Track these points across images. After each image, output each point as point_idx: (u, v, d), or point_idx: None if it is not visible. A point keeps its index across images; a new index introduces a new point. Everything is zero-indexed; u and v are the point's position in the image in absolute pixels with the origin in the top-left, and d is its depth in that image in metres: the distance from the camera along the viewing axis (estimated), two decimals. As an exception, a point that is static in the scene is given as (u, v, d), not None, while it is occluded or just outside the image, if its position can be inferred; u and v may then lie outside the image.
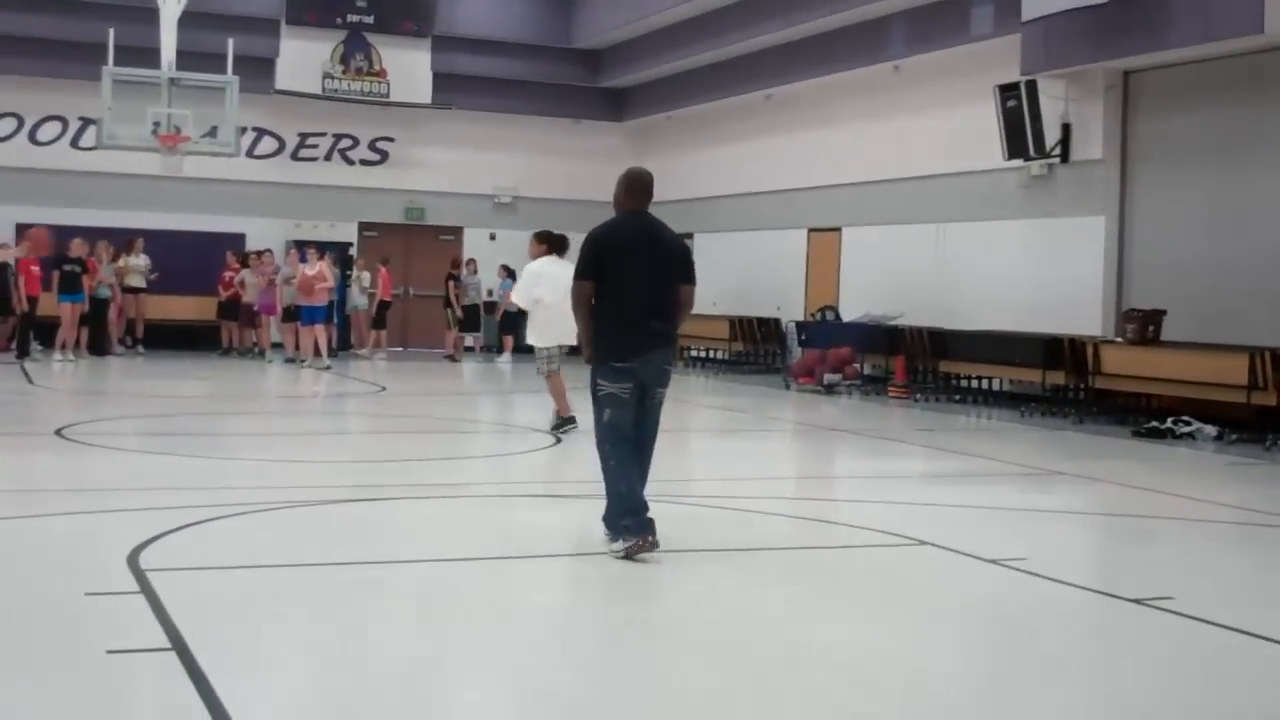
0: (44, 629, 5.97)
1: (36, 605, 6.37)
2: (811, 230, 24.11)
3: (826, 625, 6.51)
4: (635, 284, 7.85)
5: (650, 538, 7.62)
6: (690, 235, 27.82)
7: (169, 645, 5.60)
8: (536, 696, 5.27)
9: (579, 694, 5.33)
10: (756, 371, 23.77)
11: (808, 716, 5.15)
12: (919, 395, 19.37)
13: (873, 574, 7.85)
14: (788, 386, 21.04)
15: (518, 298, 15.02)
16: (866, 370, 20.75)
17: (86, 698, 5.06)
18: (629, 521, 7.68)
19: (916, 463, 13.62)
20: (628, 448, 7.88)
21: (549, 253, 14.85)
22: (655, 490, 8.11)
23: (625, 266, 7.87)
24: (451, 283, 26.17)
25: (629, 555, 7.59)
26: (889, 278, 21.67)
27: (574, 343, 11.12)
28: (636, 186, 8.19)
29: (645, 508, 7.73)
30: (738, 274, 25.92)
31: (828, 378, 20.30)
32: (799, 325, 22.64)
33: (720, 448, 15.07)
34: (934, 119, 21.12)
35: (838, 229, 23.37)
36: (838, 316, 22.29)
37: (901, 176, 21.80)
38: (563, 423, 14.14)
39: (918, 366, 19.77)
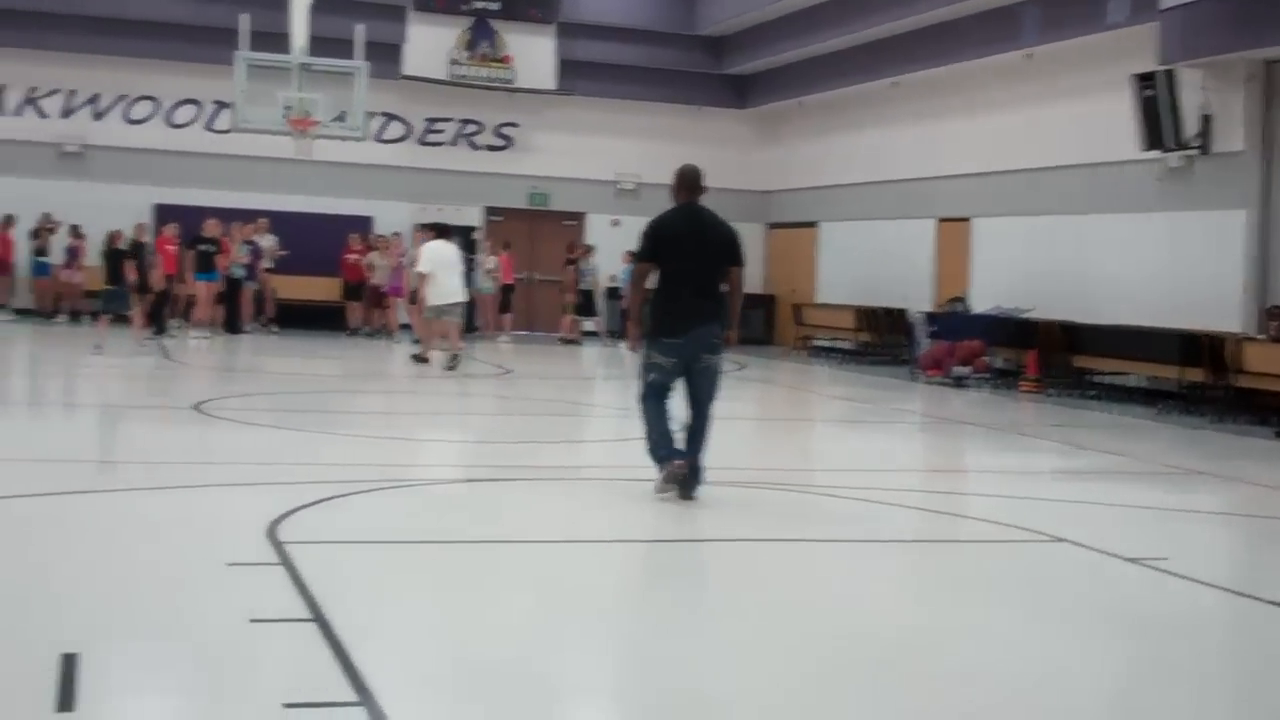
0: (189, 598, 6.06)
1: (181, 574, 6.47)
2: (941, 220, 23.79)
3: (957, 621, 6.39)
4: (685, 268, 8.93)
5: (678, 463, 8.83)
6: (814, 224, 27.68)
7: (309, 616, 5.65)
8: (659, 679, 5.22)
9: (701, 680, 5.27)
10: (882, 363, 23.50)
11: (937, 713, 5.04)
12: (1051, 390, 19.00)
13: (1005, 570, 7.70)
14: (915, 378, 20.79)
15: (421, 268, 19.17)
16: (997, 363, 20.40)
17: (231, 665, 5.12)
18: (663, 459, 8.90)
19: (1050, 458, 13.36)
20: (663, 405, 9.01)
21: (437, 237, 19.43)
22: (779, 479, 8.04)
23: (677, 252, 8.94)
24: (570, 267, 26.27)
25: (663, 486, 8.86)
26: (1021, 269, 21.31)
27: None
28: (686, 181, 9.22)
29: (672, 444, 8.91)
30: (864, 264, 25.71)
31: (956, 370, 20.00)
32: (927, 316, 22.33)
33: (845, 438, 14.92)
34: (1067, 108, 20.70)
35: (967, 219, 23.03)
36: (967, 308, 21.96)
37: (1033, 167, 21.42)
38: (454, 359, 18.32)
39: (1050, 361, 19.39)
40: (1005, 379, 20.01)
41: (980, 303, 21.85)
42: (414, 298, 22.73)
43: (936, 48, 22.91)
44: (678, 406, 9.18)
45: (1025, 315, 20.13)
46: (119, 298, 19.59)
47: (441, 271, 18.97)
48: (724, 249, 9.13)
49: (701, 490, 9.03)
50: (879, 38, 24.04)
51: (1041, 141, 21.17)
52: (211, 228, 23.15)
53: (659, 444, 8.97)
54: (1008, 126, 22.09)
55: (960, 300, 22.29)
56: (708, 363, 9.01)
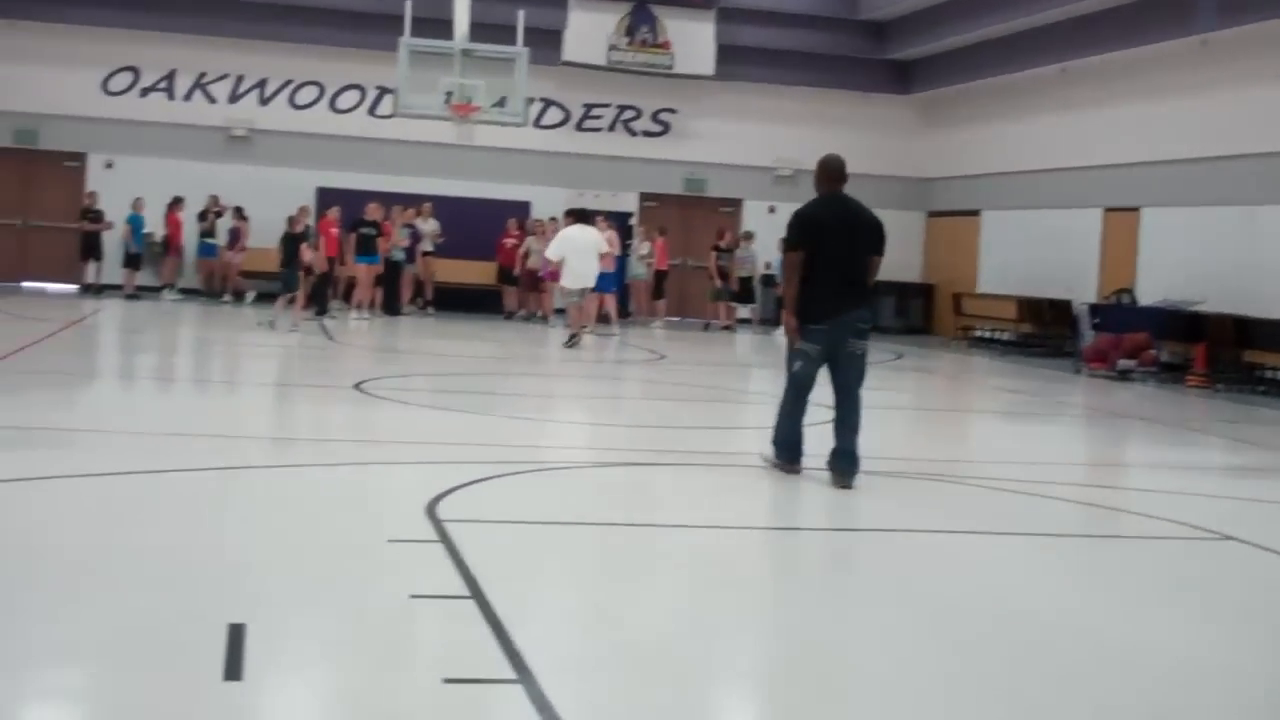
0: (351, 573, 6.14)
1: (344, 550, 6.55)
2: (1107, 210, 23.21)
3: (1119, 617, 6.21)
4: (832, 256, 9.08)
5: (796, 466, 9.21)
6: (977, 212, 27.22)
7: (468, 593, 5.68)
8: (814, 666, 5.14)
9: (855, 668, 5.18)
10: (1044, 354, 23.04)
11: (1101, 710, 4.88)
12: (1220, 385, 18.44)
13: (1170, 567, 7.49)
14: (1078, 371, 20.33)
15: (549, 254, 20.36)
16: (1164, 357, 19.85)
17: (392, 639, 5.17)
18: (784, 452, 9.26)
19: (1218, 454, 12.97)
20: (804, 398, 9.26)
21: (575, 223, 20.28)
22: (939, 470, 7.90)
23: (824, 241, 9.11)
24: (714, 254, 26.17)
25: (773, 466, 9.25)
26: (1191, 261, 20.70)
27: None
28: (828, 172, 9.47)
29: (800, 446, 9.24)
30: (1027, 253, 25.22)
31: (1122, 363, 19.51)
32: (1092, 308, 21.82)
33: (1006, 430, 14.64)
34: (1243, 96, 20.05)
35: (1136, 209, 22.43)
36: (1134, 300, 21.41)
37: (1206, 156, 20.77)
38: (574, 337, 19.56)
39: (1220, 355, 18.80)
40: (1172, 373, 19.49)
41: (1147, 294, 21.30)
42: (537, 283, 22.94)
43: (1108, 33, 22.33)
44: (818, 395, 9.24)
45: (1194, 308, 19.56)
46: (289, 279, 20.27)
47: (574, 257, 19.91)
48: (871, 238, 9.30)
49: (859, 479, 8.93)
50: (1046, 23, 23.51)
51: (1214, 129, 20.53)
52: (373, 211, 23.53)
53: (784, 438, 9.27)
54: (1179, 114, 21.46)
55: (1126, 292, 21.75)
56: (854, 348, 9.15)
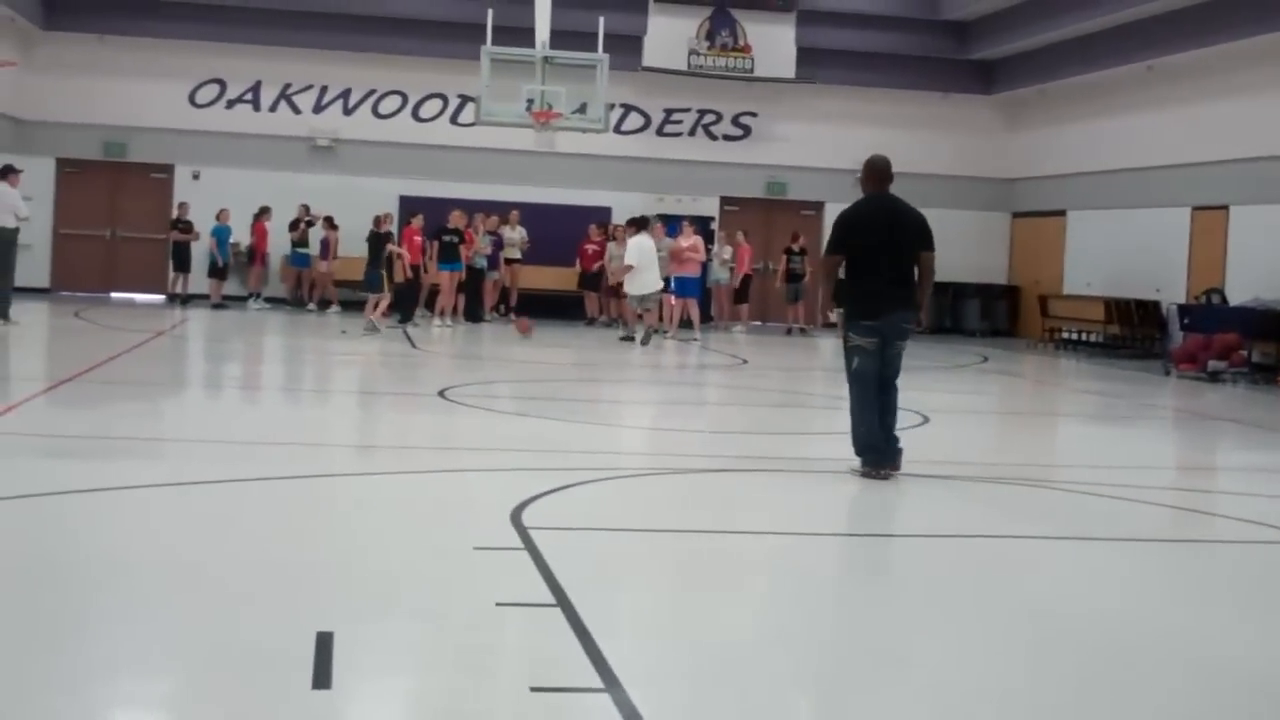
0: (438, 580, 6.17)
1: (430, 557, 6.58)
2: (1195, 209, 22.85)
3: (1214, 623, 6.10)
4: (879, 256, 9.23)
5: (885, 469, 9.17)
6: (1062, 212, 26.92)
7: (553, 601, 5.68)
8: (901, 675, 5.09)
9: (942, 676, 5.11)
10: (1133, 356, 22.73)
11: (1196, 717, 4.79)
12: (1312, 385, 18.11)
13: (1262, 572, 7.32)
14: (1167, 373, 20.02)
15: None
16: (1255, 358, 19.51)
17: (478, 647, 5.17)
18: (869, 455, 9.24)
19: (1313, 456, 12.72)
20: (870, 392, 9.31)
21: (638, 232, 21.42)
22: (1026, 474, 7.80)
23: (870, 241, 9.26)
24: (785, 257, 26.08)
25: (865, 475, 9.17)
26: (1281, 260, 20.34)
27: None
28: (874, 173, 9.55)
29: (884, 443, 9.25)
30: (1113, 253, 24.91)
31: (1212, 364, 19.19)
32: (1181, 308, 21.50)
33: (1095, 433, 14.43)
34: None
35: (1225, 207, 22.06)
36: (1224, 300, 21.07)
37: (1297, 153, 20.42)
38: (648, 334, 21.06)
39: (1313, 355, 18.47)
40: (1263, 374, 19.15)
41: (1237, 294, 20.94)
42: (619, 289, 23.16)
43: (1195, 29, 22.01)
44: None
45: (1288, 308, 19.22)
46: (374, 280, 20.90)
47: (645, 264, 21.13)
48: (916, 235, 9.42)
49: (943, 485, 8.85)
50: (1131, 20, 23.21)
51: (1308, 126, 20.16)
52: (456, 219, 23.69)
53: (864, 443, 9.31)
54: (1267, 110, 21.12)
55: (1216, 291, 21.41)
56: (897, 348, 9.42)
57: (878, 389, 9.36)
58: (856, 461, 9.40)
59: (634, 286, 21.56)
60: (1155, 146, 23.88)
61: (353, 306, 25.33)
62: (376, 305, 20.94)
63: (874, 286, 9.24)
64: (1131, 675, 5.19)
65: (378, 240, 21.12)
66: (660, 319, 23.53)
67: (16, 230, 18.91)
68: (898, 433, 9.50)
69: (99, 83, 26.47)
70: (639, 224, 22.39)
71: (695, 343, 22.52)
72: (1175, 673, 5.29)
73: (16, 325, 18.20)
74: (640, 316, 21.83)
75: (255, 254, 25.77)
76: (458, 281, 23.65)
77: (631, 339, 21.56)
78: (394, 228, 24.27)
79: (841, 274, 9.59)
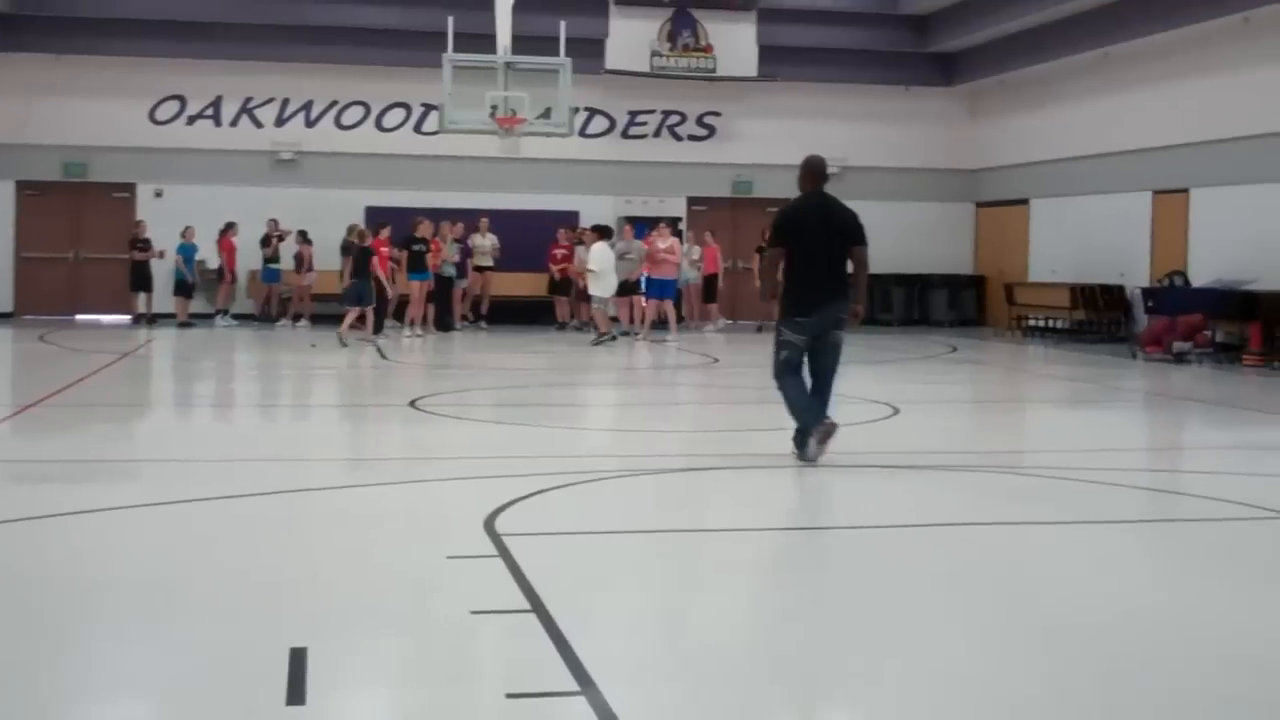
0: (411, 590, 6.17)
1: (403, 568, 6.59)
2: (1156, 192, 23.00)
3: (1190, 601, 6.17)
4: (812, 251, 9.67)
5: (827, 421, 9.64)
6: (1025, 201, 27.05)
7: (528, 607, 5.69)
8: (888, 664, 5.12)
9: (933, 664, 5.15)
10: (1099, 340, 22.87)
11: (1165, 694, 4.85)
12: (1277, 363, 18.23)
13: (1236, 548, 7.41)
14: (1134, 355, 20.16)
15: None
16: (1219, 338, 19.65)
17: (454, 656, 5.19)
18: (806, 422, 9.69)
19: (1277, 433, 12.81)
20: (797, 380, 9.80)
21: (601, 238, 22.52)
22: (997, 461, 7.84)
23: (806, 237, 9.69)
24: (757, 255, 26.16)
25: (799, 456, 9.65)
26: (1242, 240, 20.48)
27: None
28: (810, 172, 10.00)
29: (815, 417, 9.66)
30: (1077, 240, 25.06)
31: (1177, 346, 19.33)
32: (1145, 292, 21.65)
33: (1064, 417, 14.53)
34: (1290, 71, 19.85)
35: (1185, 190, 22.21)
36: (1187, 282, 21.22)
37: (1253, 134, 20.55)
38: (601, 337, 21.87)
39: (1276, 333, 18.59)
40: (1228, 353, 19.29)
41: (1200, 276, 21.10)
42: (623, 289, 23.48)
43: (1148, 16, 22.16)
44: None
45: (1248, 287, 19.35)
46: (363, 292, 21.09)
47: (607, 269, 22.19)
48: (847, 230, 9.82)
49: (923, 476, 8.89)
50: (1088, 8, 23.34)
51: (1260, 107, 20.31)
52: (424, 229, 23.66)
53: (803, 418, 9.76)
54: (1225, 93, 21.25)
55: (1179, 274, 21.56)
56: (833, 338, 9.80)
57: (802, 373, 9.85)
58: (793, 450, 9.79)
59: (597, 289, 22.38)
60: (1115, 132, 24.02)
61: (323, 321, 25.31)
62: (362, 317, 21.11)
63: (810, 281, 9.66)
64: (1110, 654, 5.22)
65: (363, 254, 21.20)
66: (632, 321, 23.65)
67: None
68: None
69: (57, 103, 26.28)
70: (602, 232, 22.97)
71: (668, 343, 22.55)
72: (1153, 649, 5.34)
73: None
74: (614, 319, 22.41)
75: (224, 271, 25.65)
76: (427, 291, 23.60)
77: (603, 342, 21.89)
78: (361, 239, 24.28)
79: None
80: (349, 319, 21.07)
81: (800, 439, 9.71)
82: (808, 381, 9.87)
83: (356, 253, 21.36)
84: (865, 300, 10.07)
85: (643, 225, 24.77)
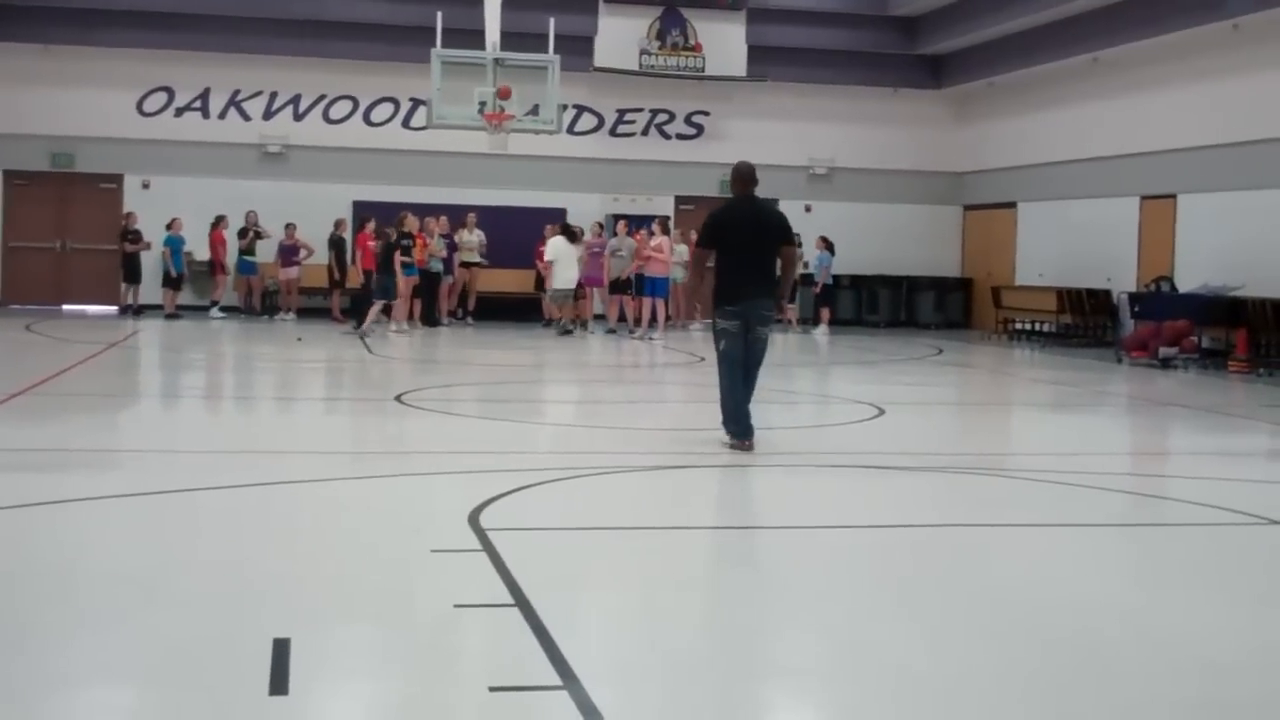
0: (395, 584, 6.17)
1: (387, 561, 6.59)
2: (1144, 198, 23.07)
3: (1168, 605, 6.20)
4: (739, 250, 10.35)
5: (747, 442, 10.25)
6: (1013, 204, 27.11)
7: (511, 601, 5.70)
8: (866, 664, 5.13)
9: (908, 666, 5.16)
10: (1085, 345, 22.93)
11: (1144, 699, 4.87)
12: (1263, 370, 18.30)
13: (1215, 553, 7.44)
14: (1119, 360, 20.21)
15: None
16: (1205, 344, 19.71)
17: (437, 649, 5.19)
18: (733, 428, 10.36)
19: (1263, 439, 12.88)
20: (737, 371, 10.39)
21: (562, 233, 23.60)
22: (981, 463, 7.87)
23: (736, 237, 10.39)
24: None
25: (731, 447, 10.26)
26: (1229, 247, 20.56)
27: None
28: (740, 178, 10.72)
29: (747, 419, 10.33)
30: (1064, 244, 25.14)
31: (1163, 351, 19.39)
32: (1131, 297, 21.71)
33: (1048, 421, 14.56)
34: (1276, 79, 19.90)
35: (1172, 196, 22.28)
36: (1173, 287, 21.28)
37: (1241, 140, 20.63)
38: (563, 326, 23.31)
39: (1261, 340, 18.66)
40: (1213, 359, 19.36)
41: (1186, 282, 21.16)
42: (614, 287, 23.83)
43: (1138, 20, 22.23)
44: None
45: (1234, 293, 19.42)
46: (388, 287, 21.57)
47: (563, 262, 23.18)
48: (775, 231, 10.55)
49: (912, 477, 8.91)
50: (1077, 12, 23.40)
51: (1248, 114, 20.40)
52: (411, 223, 23.62)
53: (733, 415, 10.39)
54: (1214, 99, 21.32)
55: (1165, 279, 21.63)
56: (759, 334, 10.46)
57: (743, 367, 10.40)
58: (725, 437, 10.44)
59: (555, 281, 23.43)
60: (1103, 137, 24.09)
61: (309, 314, 25.29)
62: (388, 309, 21.90)
63: (737, 277, 10.32)
64: (1092, 657, 5.25)
65: (388, 250, 21.68)
66: (622, 319, 23.79)
67: None
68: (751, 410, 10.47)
69: (45, 93, 26.22)
70: (566, 231, 23.87)
71: (655, 341, 22.58)
72: (1134, 653, 5.36)
73: None
74: (561, 309, 23.75)
75: (215, 264, 25.58)
76: (413, 286, 23.58)
77: (569, 332, 23.18)
78: (348, 234, 24.30)
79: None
80: (373, 312, 21.54)
81: (736, 431, 10.36)
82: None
83: (382, 248, 21.79)
84: (792, 298, 10.76)
85: (636, 225, 24.91)
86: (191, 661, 4.91)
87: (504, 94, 21.85)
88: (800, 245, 10.67)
